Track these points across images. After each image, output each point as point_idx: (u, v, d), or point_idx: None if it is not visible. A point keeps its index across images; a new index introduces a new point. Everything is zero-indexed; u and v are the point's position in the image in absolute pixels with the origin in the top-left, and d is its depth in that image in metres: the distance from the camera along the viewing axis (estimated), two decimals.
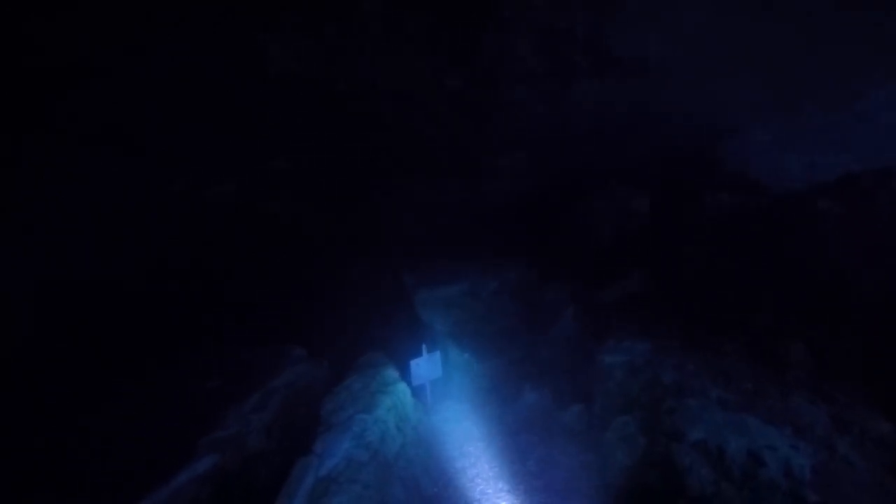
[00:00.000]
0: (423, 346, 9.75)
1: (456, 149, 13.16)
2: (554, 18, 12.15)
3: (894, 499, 6.06)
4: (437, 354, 9.92)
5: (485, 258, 11.76)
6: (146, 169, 12.76)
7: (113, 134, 12.40)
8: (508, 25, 12.07)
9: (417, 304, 10.99)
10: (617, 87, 13.78)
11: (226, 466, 7.37)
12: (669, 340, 8.77)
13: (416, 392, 9.35)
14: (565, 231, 11.93)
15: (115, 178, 12.45)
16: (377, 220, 13.28)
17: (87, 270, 10.70)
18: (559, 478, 7.59)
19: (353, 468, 7.10)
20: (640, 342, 8.61)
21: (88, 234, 11.40)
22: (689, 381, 7.71)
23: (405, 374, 9.47)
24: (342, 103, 12.40)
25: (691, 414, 6.98)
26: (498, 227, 12.59)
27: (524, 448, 8.43)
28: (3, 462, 7.42)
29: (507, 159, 13.53)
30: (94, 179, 12.16)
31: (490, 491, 8.03)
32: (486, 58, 12.45)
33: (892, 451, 6.64)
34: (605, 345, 8.73)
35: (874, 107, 12.38)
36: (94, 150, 12.13)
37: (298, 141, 13.54)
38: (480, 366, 10.08)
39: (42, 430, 7.92)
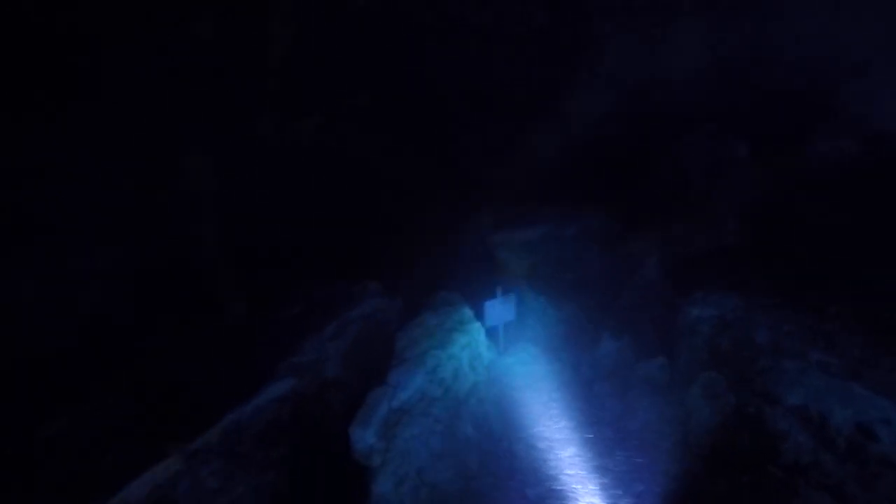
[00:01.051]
0: (498, 289, 9.51)
1: (542, 88, 12.46)
2: None
3: None
4: (512, 297, 9.67)
5: (566, 203, 11.22)
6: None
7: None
8: None
9: (495, 246, 10.71)
10: (723, 24, 12.52)
11: (303, 390, 7.51)
12: (764, 298, 8.07)
13: (490, 333, 9.18)
14: (654, 177, 11.14)
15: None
16: (457, 160, 12.91)
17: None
18: (635, 429, 7.29)
19: (425, 402, 7.07)
20: (731, 297, 7.98)
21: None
22: (785, 342, 7.08)
23: (479, 315, 9.30)
24: (427, 36, 11.93)
25: (788, 377, 6.42)
26: (581, 171, 11.92)
27: (600, 396, 8.15)
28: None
29: (596, 100, 12.69)
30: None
31: (561, 436, 7.84)
32: None
33: None
34: (692, 296, 8.15)
35: None
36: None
37: (381, 76, 13.23)
38: (556, 311, 9.75)
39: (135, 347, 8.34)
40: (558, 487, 7.25)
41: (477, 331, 8.55)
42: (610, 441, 7.47)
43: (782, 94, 11.64)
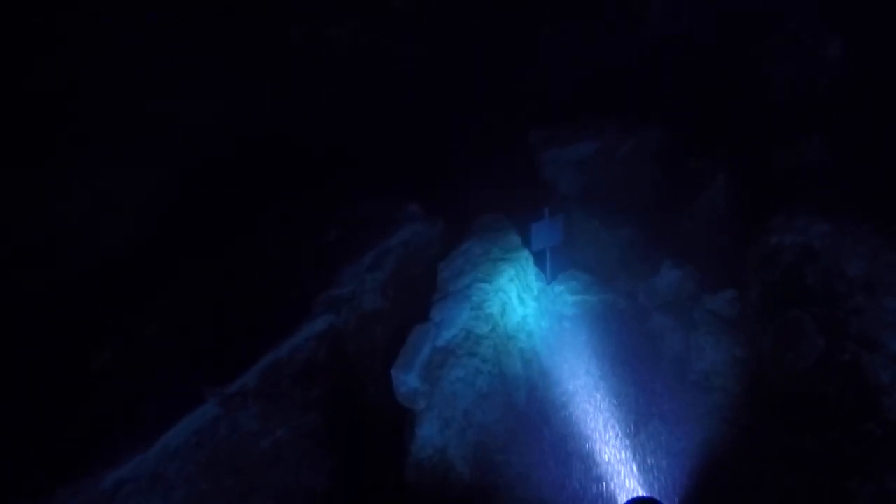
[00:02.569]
0: (546, 210, 8.58)
1: None
2: None
3: None
4: (560, 218, 8.74)
5: (625, 116, 9.96)
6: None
7: None
8: None
9: (543, 163, 9.69)
10: None
11: (341, 326, 7.02)
12: (857, 225, 6.97)
13: (536, 257, 8.41)
14: (729, 84, 9.69)
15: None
16: (504, 67, 11.60)
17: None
18: (700, 371, 6.56)
19: (471, 341, 6.50)
20: (820, 222, 6.90)
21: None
22: (884, 275, 6.09)
23: (525, 238, 8.50)
24: None
25: (890, 318, 5.50)
26: (644, 80, 10.52)
27: (659, 330, 7.39)
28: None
29: None
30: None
31: (615, 375, 7.22)
32: None
33: None
34: (770, 223, 7.11)
35: None
36: None
37: None
38: (609, 234, 8.83)
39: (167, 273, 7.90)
40: (607, 431, 6.75)
41: (525, 259, 7.80)
42: (669, 382, 6.79)
43: None
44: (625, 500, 5.59)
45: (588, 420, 7.00)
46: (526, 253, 7.89)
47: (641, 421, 6.65)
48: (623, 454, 6.49)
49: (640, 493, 6.07)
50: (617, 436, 6.74)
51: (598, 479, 6.34)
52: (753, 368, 6.04)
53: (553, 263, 8.83)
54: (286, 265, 7.91)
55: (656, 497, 5.88)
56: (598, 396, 7.16)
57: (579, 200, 9.48)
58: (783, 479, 5.34)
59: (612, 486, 6.25)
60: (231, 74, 11.42)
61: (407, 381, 6.00)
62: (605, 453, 6.53)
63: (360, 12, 12.44)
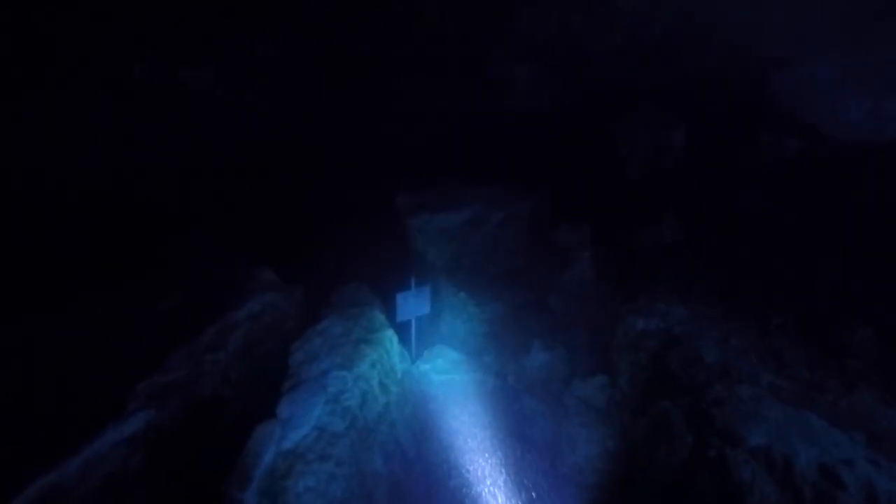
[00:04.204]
0: (412, 280, 7.93)
1: (467, 47, 10.76)
2: None
3: None
4: (427, 289, 8.15)
5: (492, 185, 9.75)
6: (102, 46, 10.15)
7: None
8: None
9: (411, 231, 9.08)
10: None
11: (165, 424, 5.63)
12: (708, 307, 7.12)
13: (401, 328, 7.68)
14: (587, 161, 9.90)
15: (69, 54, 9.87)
16: (369, 127, 11.01)
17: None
18: (570, 463, 6.07)
19: (324, 441, 5.45)
20: (677, 306, 6.93)
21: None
22: (735, 360, 6.15)
23: (389, 310, 7.75)
24: None
25: (746, 408, 5.42)
26: (509, 149, 10.50)
27: (530, 415, 6.88)
28: None
29: (526, 68, 11.20)
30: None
31: (481, 467, 6.53)
32: None
33: None
34: (634, 304, 7.02)
35: None
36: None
37: (287, 23, 10.94)
38: (478, 309, 8.35)
39: None
40: None
41: (389, 340, 6.98)
42: (540, 474, 6.24)
43: (715, 77, 10.74)
44: None
45: None
46: (390, 333, 7.09)
47: None
48: None
49: None
50: None
51: None
52: (625, 462, 5.65)
53: (418, 336, 8.14)
54: (100, 347, 6.34)
55: None
56: (464, 490, 6.41)
57: (447, 271, 8.95)
58: None
59: None
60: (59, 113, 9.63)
61: (243, 499, 4.78)
62: None
63: (221, 55, 11.30)
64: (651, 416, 5.65)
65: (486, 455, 6.72)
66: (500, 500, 6.28)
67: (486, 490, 6.41)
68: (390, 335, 7.07)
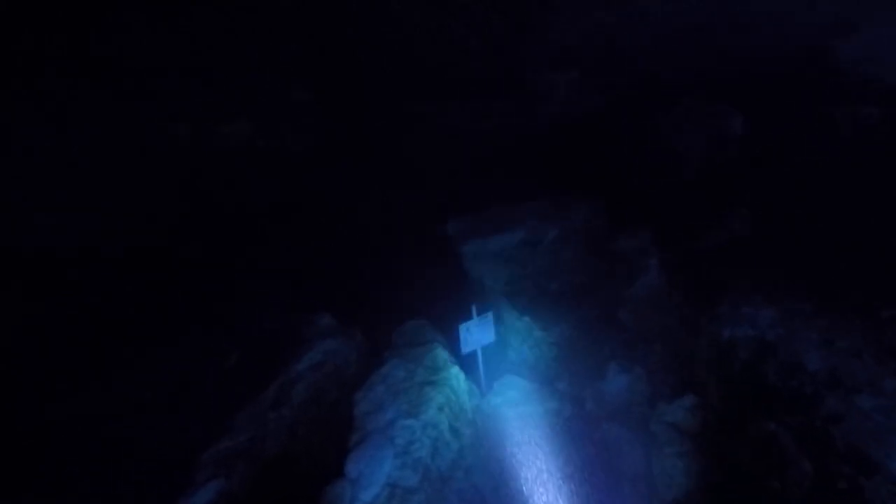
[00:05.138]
0: (473, 308, 7.48)
1: (499, 62, 10.38)
2: None
3: None
4: (490, 316, 7.68)
5: (542, 200, 9.24)
6: (142, 109, 10.42)
7: (103, 67, 10.01)
8: None
9: (465, 257, 8.68)
10: None
11: (234, 491, 5.39)
12: (799, 305, 6.29)
13: (467, 361, 7.23)
14: (638, 163, 9.24)
15: (110, 120, 10.17)
16: (412, 156, 10.76)
17: (75, 234, 8.61)
18: (669, 500, 5.40)
19: (398, 498, 5.07)
20: (764, 308, 6.17)
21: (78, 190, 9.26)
22: (845, 365, 5.31)
23: (452, 341, 7.32)
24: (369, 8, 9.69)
25: (874, 424, 4.61)
26: (554, 160, 9.97)
27: (614, 445, 6.26)
28: None
29: (561, 75, 10.69)
30: (85, 122, 9.92)
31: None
32: None
33: None
34: (716, 311, 6.30)
35: None
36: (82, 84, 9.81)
37: (318, 64, 10.92)
38: (544, 333, 7.80)
39: None
40: None
41: (456, 378, 6.57)
42: None
43: (769, 60, 9.85)
44: None
45: None
46: (455, 370, 6.67)
47: None
48: None
49: None
50: None
51: None
52: (734, 498, 4.94)
53: (486, 366, 7.68)
54: (160, 411, 6.23)
55: None
56: None
57: (507, 295, 8.46)
58: None
59: None
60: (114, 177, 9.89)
61: None
62: None
63: (258, 106, 11.39)
64: (754, 441, 4.93)
65: (575, 490, 6.14)
66: None
67: None
68: (456, 373, 6.65)
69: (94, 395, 6.40)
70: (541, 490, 6.20)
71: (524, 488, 6.22)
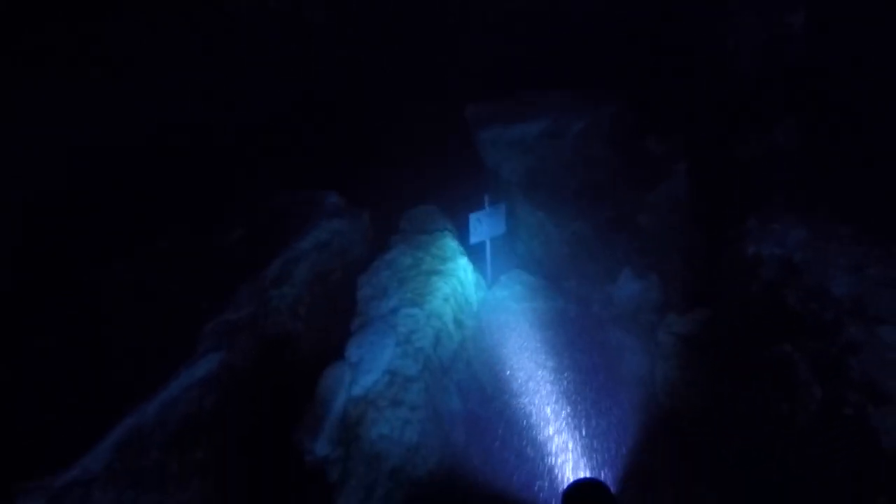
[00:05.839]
0: (486, 197, 7.12)
1: None
2: None
3: None
4: (502, 207, 7.38)
5: (570, 91, 8.47)
6: None
7: None
8: None
9: (482, 144, 8.10)
10: None
11: (236, 364, 5.35)
12: (835, 226, 5.85)
13: (473, 252, 7.04)
14: (679, 55, 8.30)
15: None
16: (433, 34, 9.74)
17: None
18: (668, 408, 5.36)
19: (397, 386, 5.01)
20: (796, 227, 5.74)
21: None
22: (873, 295, 4.99)
23: (461, 230, 7.05)
24: None
25: (892, 355, 4.40)
26: (587, 45, 8.99)
27: (617, 348, 6.19)
28: None
29: None
30: None
31: (570, 402, 5.96)
32: None
33: None
34: (743, 226, 5.89)
35: None
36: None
37: None
38: (558, 229, 7.44)
39: None
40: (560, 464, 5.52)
41: (463, 270, 6.34)
42: (634, 419, 5.59)
43: None
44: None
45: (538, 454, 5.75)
46: (464, 262, 6.42)
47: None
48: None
49: None
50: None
51: None
52: (739, 415, 4.85)
53: (494, 259, 7.45)
54: (166, 282, 6.06)
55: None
56: (550, 429, 5.91)
57: (523, 187, 8.00)
58: None
59: None
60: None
61: (314, 448, 4.47)
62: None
63: None
64: (767, 361, 4.75)
65: (572, 388, 6.14)
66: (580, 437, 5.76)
67: (568, 425, 5.90)
68: (464, 264, 6.41)
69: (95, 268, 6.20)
70: (539, 384, 6.20)
71: (523, 382, 6.22)
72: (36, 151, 7.81)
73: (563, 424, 5.87)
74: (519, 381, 6.20)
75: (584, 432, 5.71)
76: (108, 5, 8.57)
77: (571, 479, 4.64)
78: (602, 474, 5.26)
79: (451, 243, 6.53)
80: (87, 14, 8.40)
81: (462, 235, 7.19)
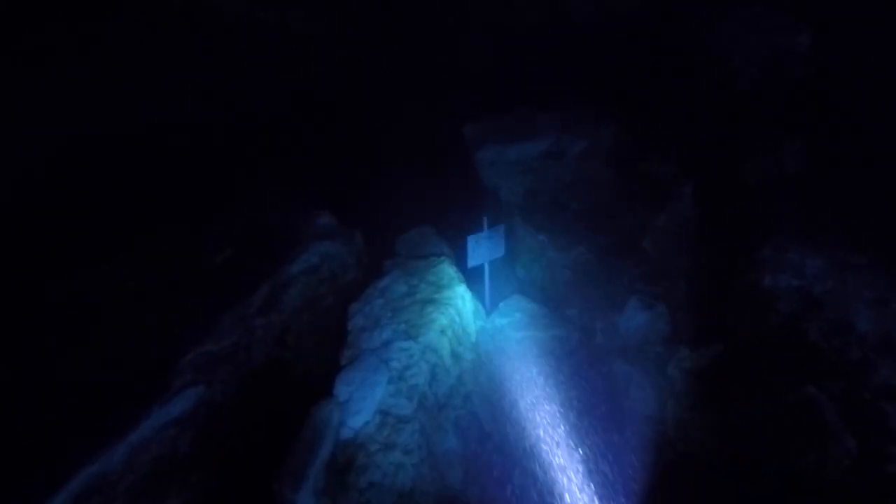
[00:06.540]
0: (485, 219, 6.72)
1: None
2: None
3: None
4: (501, 229, 6.94)
5: (568, 110, 8.14)
6: None
7: None
8: None
9: (480, 164, 7.76)
10: None
11: (215, 400, 4.89)
12: (852, 255, 5.50)
13: (470, 276, 6.64)
14: (683, 77, 8.01)
15: None
16: (429, 48, 9.42)
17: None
18: (682, 452, 4.93)
19: (389, 427, 4.57)
20: (812, 257, 5.38)
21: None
22: None
23: (459, 253, 6.63)
24: None
25: None
26: (586, 66, 8.71)
27: (622, 384, 5.74)
28: None
29: None
30: None
31: (570, 441, 5.52)
32: None
33: None
34: (757, 254, 5.53)
35: None
36: None
37: None
38: (559, 254, 7.05)
39: None
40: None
41: (461, 298, 5.92)
42: (641, 452, 5.16)
43: None
44: None
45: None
46: (461, 289, 6.01)
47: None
48: None
49: None
50: None
51: None
52: (761, 465, 4.42)
53: (492, 282, 7.04)
54: (143, 308, 5.61)
55: None
56: (553, 462, 5.48)
57: (522, 209, 7.63)
58: None
59: None
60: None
61: (297, 500, 4.00)
62: None
63: None
64: (790, 406, 4.34)
65: (577, 423, 5.70)
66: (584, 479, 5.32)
67: (571, 465, 5.46)
68: (462, 292, 5.99)
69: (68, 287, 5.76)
70: (540, 420, 5.77)
71: (523, 417, 5.79)
72: (36, 151, 7.51)
73: (566, 463, 5.45)
74: (519, 416, 5.76)
75: (587, 472, 5.29)
76: (108, 5, 8.29)
77: None
78: None
79: (447, 269, 6.13)
80: (87, 14, 8.11)
81: (459, 259, 6.80)
